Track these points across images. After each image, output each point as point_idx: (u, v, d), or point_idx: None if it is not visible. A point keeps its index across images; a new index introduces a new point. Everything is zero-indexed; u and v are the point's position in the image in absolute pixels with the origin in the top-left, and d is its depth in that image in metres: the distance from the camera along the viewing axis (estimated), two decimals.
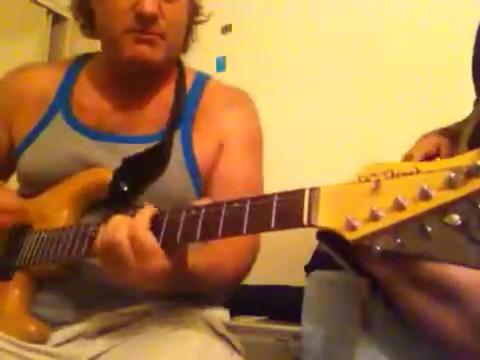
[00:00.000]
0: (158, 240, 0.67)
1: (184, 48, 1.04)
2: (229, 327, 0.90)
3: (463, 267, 0.65)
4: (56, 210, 0.87)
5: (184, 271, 0.72)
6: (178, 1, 0.91)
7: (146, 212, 0.69)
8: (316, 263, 0.99)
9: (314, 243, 0.88)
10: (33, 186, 0.92)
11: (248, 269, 0.90)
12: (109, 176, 0.85)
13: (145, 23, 0.87)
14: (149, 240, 0.66)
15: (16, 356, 0.77)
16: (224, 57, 2.23)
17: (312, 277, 0.98)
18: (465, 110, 0.94)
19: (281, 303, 1.61)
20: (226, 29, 2.25)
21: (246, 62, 2.16)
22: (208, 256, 0.80)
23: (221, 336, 0.84)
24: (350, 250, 0.74)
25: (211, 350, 0.79)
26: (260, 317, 1.64)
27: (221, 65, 2.22)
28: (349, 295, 0.82)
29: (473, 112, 0.94)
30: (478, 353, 0.63)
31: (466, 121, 0.95)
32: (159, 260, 0.67)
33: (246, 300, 1.53)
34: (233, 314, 1.04)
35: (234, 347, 0.85)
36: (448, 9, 1.80)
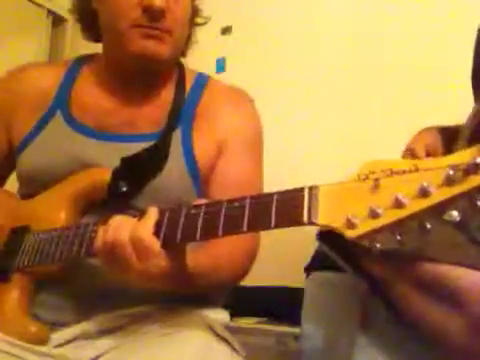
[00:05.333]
0: (158, 240, 0.68)
1: (184, 51, 1.04)
2: (229, 328, 0.90)
3: (464, 268, 0.66)
4: (54, 211, 0.87)
5: (183, 272, 0.73)
6: None
7: (152, 216, 0.69)
8: (316, 264, 0.99)
9: (314, 244, 0.88)
10: (32, 186, 0.92)
11: (245, 272, 0.90)
12: (107, 176, 0.85)
13: (153, 17, 0.87)
14: (153, 243, 0.67)
15: (16, 357, 0.77)
16: (224, 58, 2.23)
17: (312, 278, 0.98)
18: (461, 108, 0.94)
19: (281, 304, 1.61)
20: (226, 30, 2.25)
21: (246, 63, 2.15)
22: (206, 258, 0.80)
23: (221, 338, 0.84)
24: (350, 251, 0.74)
25: (211, 352, 0.79)
26: (260, 318, 1.63)
27: (221, 66, 2.22)
28: (349, 296, 0.83)
29: (473, 111, 0.94)
30: (477, 354, 0.63)
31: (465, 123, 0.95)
32: (160, 261, 0.68)
33: (246, 301, 1.53)
34: (233, 315, 1.04)
35: (234, 349, 0.85)
36: (445, 7, 1.80)
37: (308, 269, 1.01)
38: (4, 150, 0.98)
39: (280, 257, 1.70)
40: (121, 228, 0.68)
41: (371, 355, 0.72)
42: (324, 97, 1.97)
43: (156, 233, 0.68)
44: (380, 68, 1.88)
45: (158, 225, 0.68)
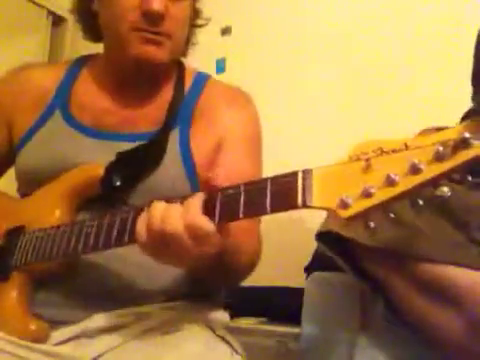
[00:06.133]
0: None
1: (184, 52, 1.04)
2: (229, 329, 0.90)
3: (462, 268, 0.66)
4: (49, 209, 0.86)
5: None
6: (184, 1, 0.92)
7: (198, 196, 0.66)
8: (316, 264, 0.99)
9: (314, 244, 0.88)
10: (30, 184, 0.92)
11: (258, 259, 0.88)
12: (101, 171, 0.85)
13: (152, 21, 0.87)
14: (206, 224, 0.64)
15: (16, 356, 0.77)
16: (224, 59, 2.23)
17: (312, 278, 0.99)
18: (460, 109, 0.94)
19: (281, 304, 1.61)
20: (226, 31, 2.25)
21: (246, 64, 2.15)
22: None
23: (221, 338, 0.84)
24: (350, 251, 0.75)
25: (211, 352, 0.79)
26: (260, 318, 1.63)
27: (221, 67, 2.22)
28: (348, 296, 0.83)
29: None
30: (477, 354, 0.63)
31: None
32: (216, 239, 0.65)
33: (246, 301, 1.53)
34: (233, 315, 1.04)
35: (234, 349, 0.85)
36: (446, 7, 1.80)
37: (308, 269, 1.02)
38: (4, 146, 0.98)
39: (280, 257, 1.70)
40: (170, 216, 0.64)
41: (372, 355, 0.73)
42: (324, 97, 1.97)
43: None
44: (380, 68, 1.88)
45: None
